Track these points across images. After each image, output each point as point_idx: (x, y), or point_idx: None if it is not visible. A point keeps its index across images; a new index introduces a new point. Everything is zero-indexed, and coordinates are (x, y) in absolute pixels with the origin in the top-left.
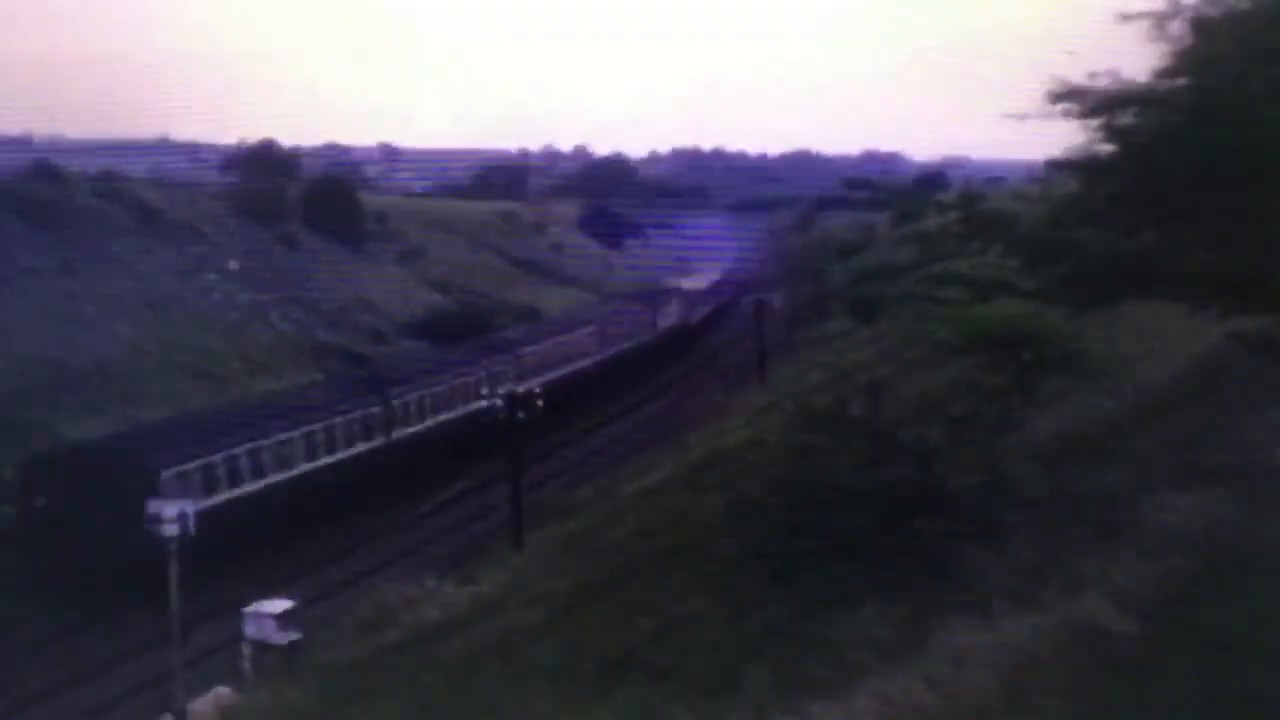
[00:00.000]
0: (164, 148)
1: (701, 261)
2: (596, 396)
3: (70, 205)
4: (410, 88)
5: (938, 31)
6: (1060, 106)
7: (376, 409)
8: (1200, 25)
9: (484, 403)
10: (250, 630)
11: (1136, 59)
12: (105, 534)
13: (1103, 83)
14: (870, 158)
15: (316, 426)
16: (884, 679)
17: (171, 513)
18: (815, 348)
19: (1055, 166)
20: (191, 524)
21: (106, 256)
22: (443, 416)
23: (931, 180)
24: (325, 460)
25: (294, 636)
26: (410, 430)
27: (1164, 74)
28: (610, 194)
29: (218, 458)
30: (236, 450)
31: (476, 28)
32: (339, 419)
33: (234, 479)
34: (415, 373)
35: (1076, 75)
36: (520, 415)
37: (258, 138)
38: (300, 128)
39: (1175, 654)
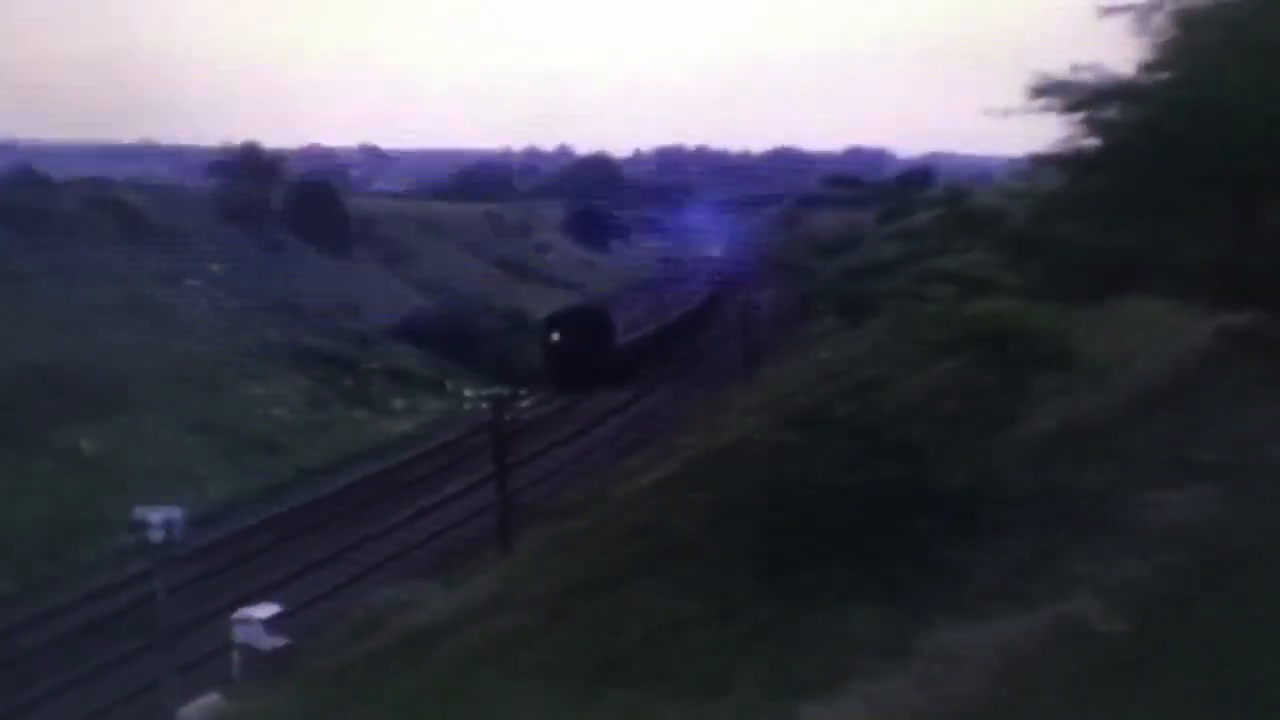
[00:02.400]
0: (149, 152)
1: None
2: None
3: (56, 210)
4: (393, 89)
5: (922, 27)
6: (1044, 101)
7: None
8: (1183, 17)
9: (698, 299)
10: (239, 636)
11: (1120, 52)
12: (585, 354)
13: (1086, 77)
14: (855, 154)
15: (638, 309)
16: (874, 680)
17: (158, 519)
18: (803, 346)
19: (1039, 161)
20: (179, 531)
21: (92, 262)
22: (679, 312)
23: (916, 176)
24: (648, 329)
25: (282, 641)
26: (669, 320)
27: (1147, 67)
28: (594, 194)
29: (627, 314)
30: (629, 313)
31: (459, 29)
32: (644, 308)
33: (630, 329)
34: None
35: (1060, 69)
36: (507, 418)
37: (241, 141)
38: (283, 130)
39: (1167, 652)
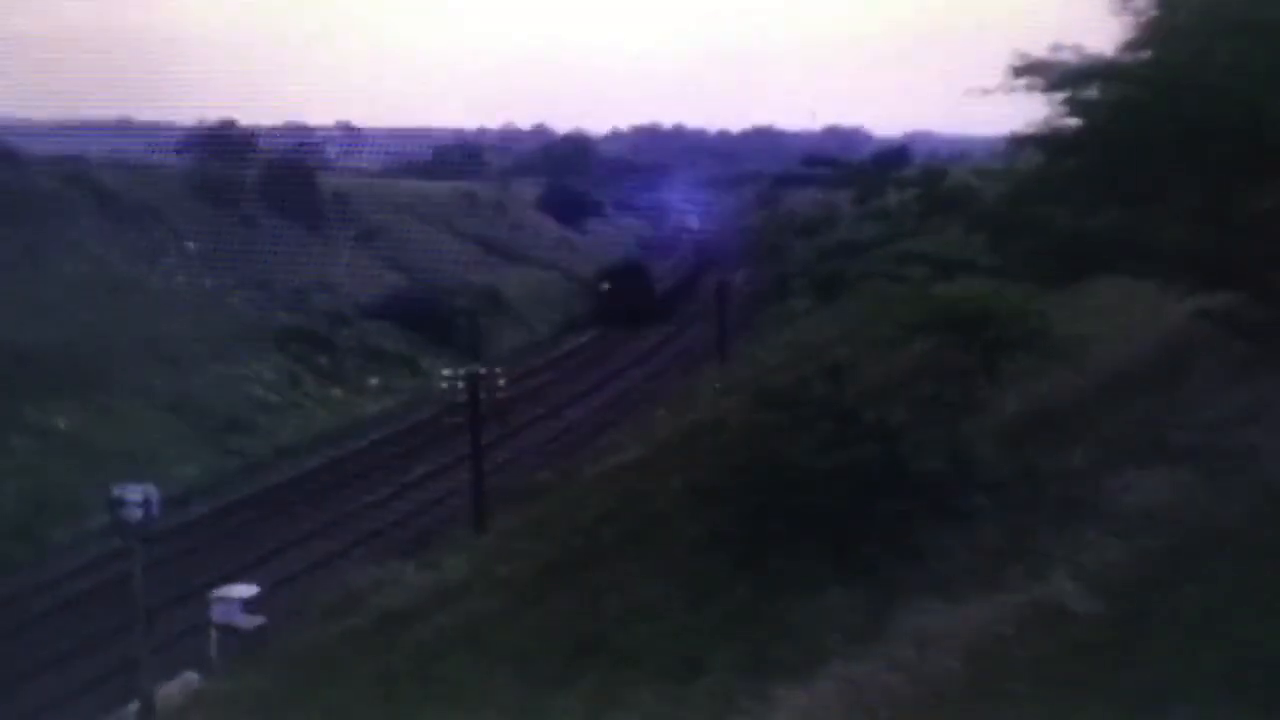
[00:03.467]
0: (124, 130)
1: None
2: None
3: (30, 189)
4: (369, 66)
5: (902, 6)
6: (1023, 80)
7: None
8: None
9: (689, 265)
10: (217, 615)
11: (1102, 31)
12: (626, 301)
13: (1066, 56)
14: (832, 134)
15: (666, 264)
16: (848, 661)
17: (136, 497)
18: (778, 326)
19: (1018, 142)
20: (156, 508)
21: (67, 241)
22: (684, 271)
23: (893, 156)
24: (669, 281)
25: (259, 621)
26: (678, 278)
27: (1128, 46)
28: (571, 172)
29: (659, 267)
30: (664, 267)
31: (436, 6)
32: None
33: (663, 280)
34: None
35: (1040, 48)
36: (482, 396)
37: (216, 118)
38: (259, 108)
39: (1142, 635)
